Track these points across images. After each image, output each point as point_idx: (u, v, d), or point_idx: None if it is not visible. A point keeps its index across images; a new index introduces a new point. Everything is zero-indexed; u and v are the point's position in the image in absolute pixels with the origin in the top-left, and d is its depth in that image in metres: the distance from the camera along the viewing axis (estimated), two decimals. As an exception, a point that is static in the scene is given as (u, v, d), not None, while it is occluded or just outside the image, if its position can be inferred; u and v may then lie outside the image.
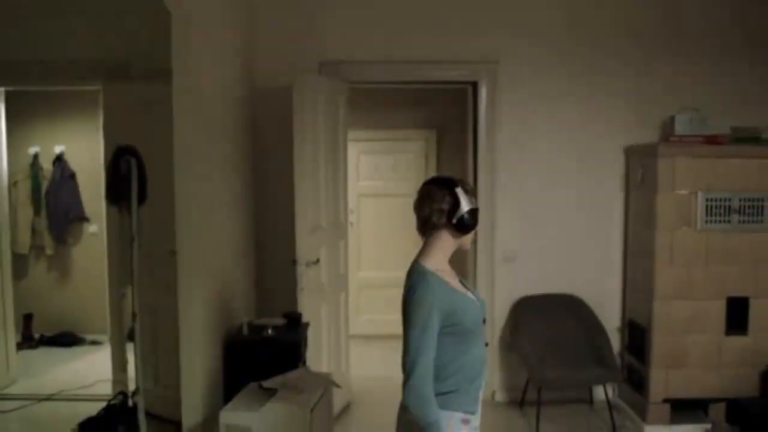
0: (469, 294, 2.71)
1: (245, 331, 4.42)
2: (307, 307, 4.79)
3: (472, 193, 2.72)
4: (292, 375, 3.92)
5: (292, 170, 4.77)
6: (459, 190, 2.64)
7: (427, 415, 2.50)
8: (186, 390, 4.01)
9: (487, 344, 2.78)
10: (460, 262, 5.46)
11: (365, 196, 7.73)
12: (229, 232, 4.76)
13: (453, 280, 2.70)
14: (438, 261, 2.68)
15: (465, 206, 2.62)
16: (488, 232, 5.63)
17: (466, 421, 2.72)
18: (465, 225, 2.62)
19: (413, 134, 7.78)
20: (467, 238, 2.72)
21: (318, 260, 4.94)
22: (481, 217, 5.33)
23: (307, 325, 4.65)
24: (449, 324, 2.61)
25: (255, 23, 5.37)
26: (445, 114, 7.59)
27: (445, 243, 2.67)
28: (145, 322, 4.36)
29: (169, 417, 4.73)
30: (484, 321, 2.76)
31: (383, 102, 7.45)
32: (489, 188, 5.62)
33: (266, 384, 3.77)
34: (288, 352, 4.25)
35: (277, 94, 5.18)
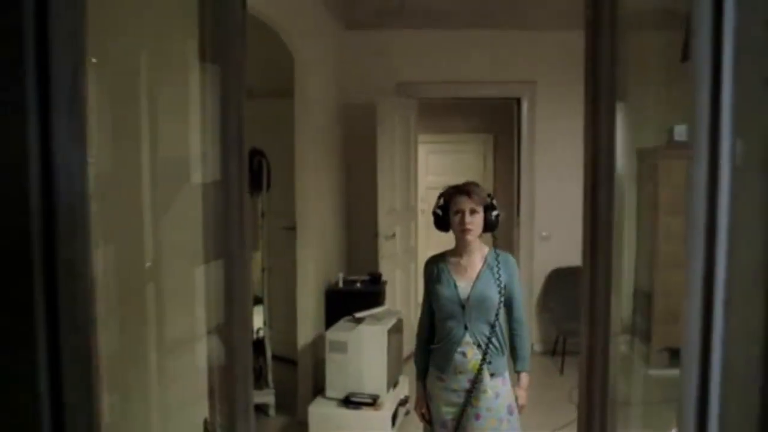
0: (458, 282, 3.25)
1: (341, 284, 6.06)
2: (385, 269, 6.41)
3: (447, 197, 3.29)
4: (374, 310, 5.52)
5: (374, 167, 6.39)
6: (440, 198, 3.33)
7: (414, 356, 3.50)
8: (301, 322, 5.64)
9: (466, 326, 3.23)
10: (507, 240, 7.04)
11: (432, 188, 9.29)
12: (330, 212, 6.38)
13: (455, 266, 3.30)
14: (451, 249, 3.36)
15: (435, 211, 3.34)
16: (528, 216, 7.15)
17: (440, 379, 3.30)
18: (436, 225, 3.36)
19: (472, 138, 9.37)
20: (453, 234, 3.32)
21: (394, 234, 6.56)
22: (523, 204, 6.92)
23: (385, 282, 6.25)
24: (430, 300, 3.35)
25: (346, 54, 6.97)
26: (498, 122, 9.12)
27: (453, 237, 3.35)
28: (263, 278, 6.01)
29: (281, 355, 6.29)
30: (464, 306, 3.22)
31: (448, 111, 9.03)
32: (530, 181, 7.13)
33: (357, 315, 5.38)
34: (371, 300, 5.84)
35: (363, 109, 6.79)
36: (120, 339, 2.08)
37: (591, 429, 1.56)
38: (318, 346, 5.57)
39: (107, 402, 1.96)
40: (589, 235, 1.50)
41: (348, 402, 4.99)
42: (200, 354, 2.32)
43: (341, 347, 5.13)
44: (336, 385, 5.13)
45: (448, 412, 3.26)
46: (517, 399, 3.33)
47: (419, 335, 3.46)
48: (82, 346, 1.11)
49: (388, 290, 6.32)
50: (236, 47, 1.81)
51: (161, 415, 2.26)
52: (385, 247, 6.43)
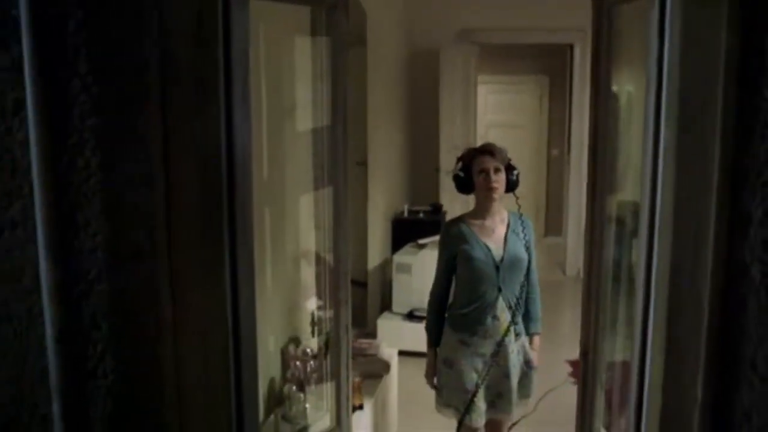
0: (489, 244, 3.19)
1: (405, 213, 6.77)
2: (445, 200, 7.10)
3: (469, 158, 3.24)
4: (436, 237, 6.22)
5: (436, 108, 7.03)
6: (460, 161, 3.27)
7: (426, 320, 3.43)
8: (371, 247, 6.38)
9: (500, 289, 3.19)
10: (558, 177, 7.63)
11: (491, 126, 9.89)
12: (396, 150, 7.06)
13: (481, 229, 3.23)
14: (471, 212, 3.33)
15: (456, 173, 3.27)
16: (578, 155, 7.72)
17: (464, 343, 3.23)
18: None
19: (530, 79, 9.89)
20: (476, 194, 3.27)
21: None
22: (573, 144, 7.50)
23: (445, 212, 6.94)
24: (451, 265, 3.28)
25: (413, 5, 7.52)
26: (554, 64, 9.58)
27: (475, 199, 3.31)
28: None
29: (352, 278, 7.03)
30: (498, 268, 3.18)
31: (507, 53, 9.52)
32: (581, 122, 7.67)
33: (420, 241, 6.10)
34: (432, 228, 6.54)
35: (427, 55, 7.38)
36: (261, 248, 2.78)
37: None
38: (385, 268, 6.33)
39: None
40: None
41: (411, 316, 5.76)
42: (312, 261, 3.04)
43: (406, 269, 5.87)
44: (401, 301, 5.90)
45: (473, 378, 3.21)
46: (532, 359, 3.35)
47: (433, 302, 3.42)
48: (248, 256, 1.85)
49: (448, 219, 7.00)
50: (341, 23, 2.50)
51: (283, 306, 3.00)
52: (445, 181, 7.10)
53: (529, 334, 3.36)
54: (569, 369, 5.36)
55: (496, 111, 9.97)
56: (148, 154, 1.72)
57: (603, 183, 2.28)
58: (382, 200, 6.46)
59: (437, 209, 6.85)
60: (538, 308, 3.38)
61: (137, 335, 1.81)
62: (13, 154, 1.77)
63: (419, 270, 5.78)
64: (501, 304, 3.19)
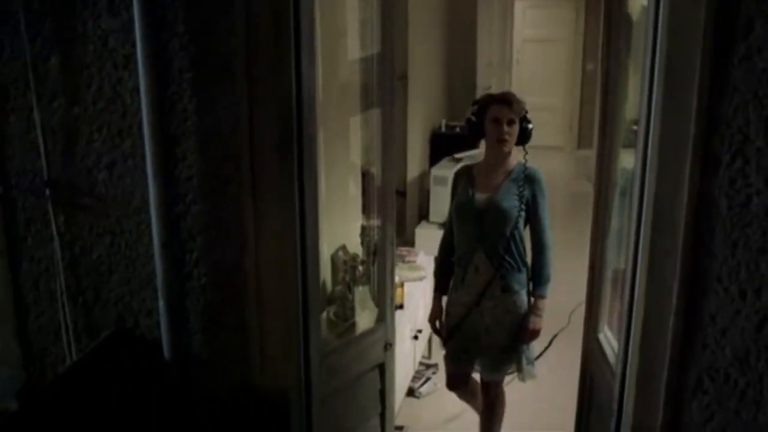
0: (477, 192, 3.09)
1: (443, 128, 7.12)
2: (481, 116, 7.41)
3: (485, 105, 3.12)
4: (471, 152, 6.59)
5: (474, 22, 7.26)
6: (475, 105, 3.18)
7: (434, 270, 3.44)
8: (410, 160, 6.76)
9: (479, 239, 3.09)
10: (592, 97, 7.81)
11: (528, 40, 10.06)
12: (434, 66, 7.34)
13: (481, 177, 3.14)
14: (480, 161, 3.25)
15: (469, 117, 3.20)
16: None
17: (454, 290, 3.24)
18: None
19: (567, -7, 9.99)
20: (485, 143, 3.20)
21: (490, 87, 7.50)
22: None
23: (481, 127, 7.26)
24: (452, 208, 3.26)
25: None
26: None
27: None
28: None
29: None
30: (478, 215, 3.07)
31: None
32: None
33: (457, 155, 6.47)
34: (469, 142, 6.87)
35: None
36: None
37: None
38: (423, 179, 6.73)
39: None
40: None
41: (447, 225, 6.17)
42: (359, 177, 3.39)
43: (443, 181, 6.25)
44: (437, 212, 6.31)
45: (455, 325, 3.20)
46: (529, 324, 3.13)
47: (439, 248, 3.42)
48: (313, 184, 2.27)
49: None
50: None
51: (334, 217, 3.36)
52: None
53: (534, 297, 3.16)
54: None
55: (533, 26, 10.12)
56: (235, 101, 2.12)
57: (614, 100, 2.62)
58: (421, 114, 6.79)
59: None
60: (545, 271, 3.14)
61: (224, 246, 2.26)
62: (123, 100, 2.19)
63: (455, 183, 6.17)
64: (480, 255, 3.10)
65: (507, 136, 3.03)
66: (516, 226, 3.06)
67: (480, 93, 7.31)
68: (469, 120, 3.19)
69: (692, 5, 1.81)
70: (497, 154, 3.11)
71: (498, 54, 7.71)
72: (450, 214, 3.32)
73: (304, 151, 2.24)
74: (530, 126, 3.12)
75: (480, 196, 3.08)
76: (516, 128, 3.06)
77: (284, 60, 2.13)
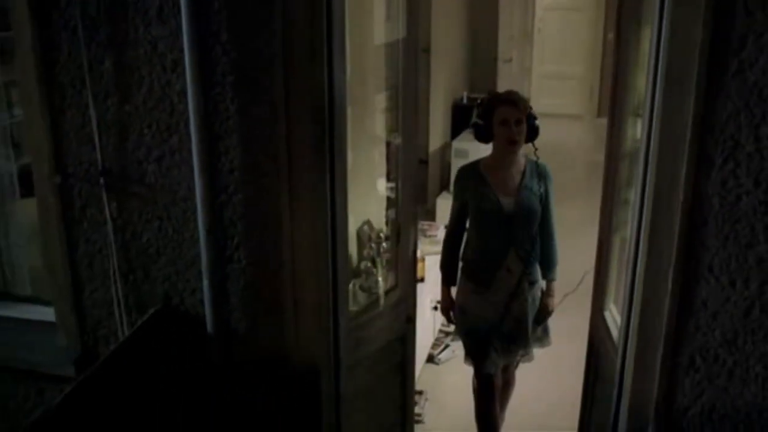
0: (501, 197, 3.11)
1: (464, 100, 7.28)
2: (502, 87, 7.53)
3: (490, 107, 3.11)
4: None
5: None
6: (480, 107, 3.18)
7: (441, 258, 3.44)
8: (432, 132, 6.92)
9: (511, 242, 3.15)
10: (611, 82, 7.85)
11: (549, 9, 10.10)
12: (457, 39, 7.47)
13: (495, 179, 3.14)
14: (487, 160, 3.24)
15: (475, 121, 3.18)
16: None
17: (476, 292, 3.26)
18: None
19: (590, -40, 9.99)
20: (494, 144, 3.16)
21: (511, 59, 7.64)
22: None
23: (502, 99, 7.40)
24: (463, 212, 3.26)
25: None
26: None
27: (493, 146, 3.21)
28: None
29: None
30: (508, 222, 3.12)
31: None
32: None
33: (477, 128, 6.64)
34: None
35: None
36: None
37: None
38: (445, 151, 6.91)
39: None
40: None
41: (467, 196, 6.36)
42: (383, 151, 3.49)
43: (463, 153, 6.44)
44: (458, 182, 6.51)
45: (483, 324, 3.26)
46: (547, 306, 3.34)
47: (447, 241, 3.43)
48: (342, 175, 2.48)
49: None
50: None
51: (360, 194, 3.50)
52: (503, 70, 7.54)
53: (547, 281, 3.34)
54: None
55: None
56: (272, 101, 2.33)
57: (625, 73, 2.79)
58: (443, 86, 6.94)
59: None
60: (554, 256, 3.31)
61: (262, 232, 2.49)
62: (171, 100, 2.41)
63: (475, 156, 6.18)
64: (513, 256, 3.18)
65: (518, 137, 3.07)
66: (542, 224, 3.19)
67: (501, 66, 7.45)
68: (476, 124, 3.19)
69: (691, 23, 1.99)
70: (509, 155, 3.15)
71: (520, 25, 7.82)
72: (453, 214, 3.36)
73: (335, 150, 2.45)
74: (537, 122, 3.16)
75: (505, 200, 3.13)
76: (524, 127, 3.09)
77: (317, 58, 2.33)
